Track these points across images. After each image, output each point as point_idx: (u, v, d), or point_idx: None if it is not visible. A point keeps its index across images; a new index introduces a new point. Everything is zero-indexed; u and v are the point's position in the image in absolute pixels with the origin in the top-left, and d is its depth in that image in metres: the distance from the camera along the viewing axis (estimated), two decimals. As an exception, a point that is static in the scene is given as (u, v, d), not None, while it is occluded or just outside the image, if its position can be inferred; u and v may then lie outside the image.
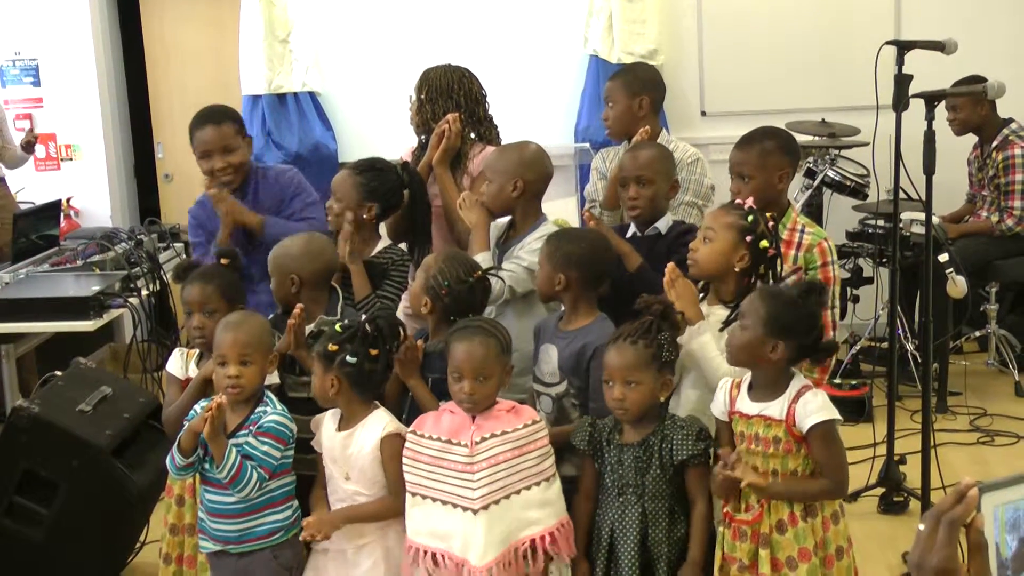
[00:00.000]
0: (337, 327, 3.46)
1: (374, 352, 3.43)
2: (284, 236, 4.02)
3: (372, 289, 4.11)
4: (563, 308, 3.79)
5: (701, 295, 3.56)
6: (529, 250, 3.97)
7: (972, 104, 6.59)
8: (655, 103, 4.70)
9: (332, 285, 3.93)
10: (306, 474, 3.63)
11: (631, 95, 4.61)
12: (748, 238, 3.46)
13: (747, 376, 3.28)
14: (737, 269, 3.47)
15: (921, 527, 1.53)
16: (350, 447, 3.44)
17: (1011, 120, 6.78)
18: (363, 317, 3.51)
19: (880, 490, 5.16)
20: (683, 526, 3.36)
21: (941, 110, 4.38)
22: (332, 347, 3.40)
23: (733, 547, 3.24)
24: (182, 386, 3.81)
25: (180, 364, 3.87)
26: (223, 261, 3.91)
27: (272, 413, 3.48)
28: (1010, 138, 6.74)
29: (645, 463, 3.34)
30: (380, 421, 3.46)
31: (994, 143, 6.78)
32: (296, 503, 3.56)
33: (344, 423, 3.49)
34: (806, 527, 3.19)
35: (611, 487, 3.40)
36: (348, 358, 3.39)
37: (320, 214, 4.52)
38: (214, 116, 4.60)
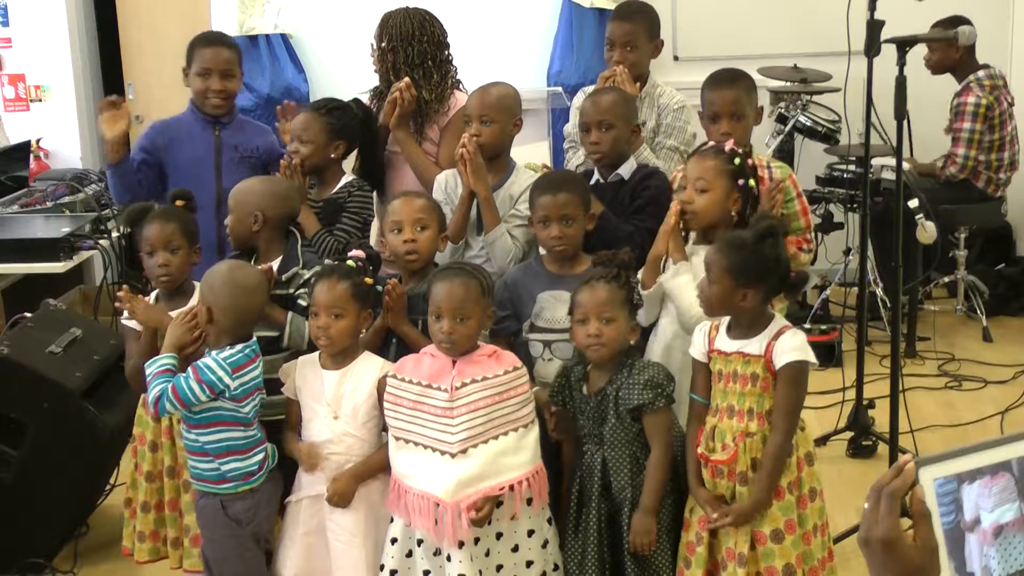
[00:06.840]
0: (351, 263, 3.49)
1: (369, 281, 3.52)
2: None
3: (321, 225, 4.10)
4: (537, 256, 3.81)
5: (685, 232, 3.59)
6: (525, 200, 3.84)
7: (944, 46, 6.58)
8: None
9: (290, 228, 3.89)
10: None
11: (651, 38, 4.62)
12: (740, 181, 3.51)
13: (725, 319, 3.30)
14: (733, 213, 3.51)
15: (865, 506, 1.62)
16: (343, 386, 3.44)
17: (986, 66, 6.75)
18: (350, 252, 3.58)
19: (849, 434, 5.21)
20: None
21: (914, 55, 4.37)
22: (368, 280, 3.50)
23: (713, 485, 3.25)
24: (140, 338, 3.68)
25: None
26: (178, 203, 3.84)
27: (210, 357, 3.38)
28: (970, 85, 6.71)
29: (602, 413, 3.37)
30: (375, 362, 3.48)
31: (959, 88, 6.78)
32: (261, 458, 3.47)
33: (333, 363, 3.48)
34: None
35: (581, 435, 3.45)
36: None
37: None
38: (221, 38, 4.66)
